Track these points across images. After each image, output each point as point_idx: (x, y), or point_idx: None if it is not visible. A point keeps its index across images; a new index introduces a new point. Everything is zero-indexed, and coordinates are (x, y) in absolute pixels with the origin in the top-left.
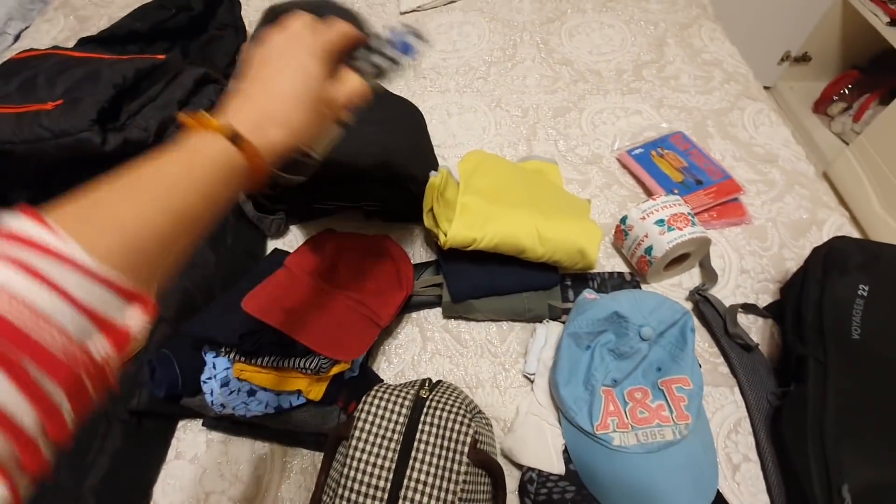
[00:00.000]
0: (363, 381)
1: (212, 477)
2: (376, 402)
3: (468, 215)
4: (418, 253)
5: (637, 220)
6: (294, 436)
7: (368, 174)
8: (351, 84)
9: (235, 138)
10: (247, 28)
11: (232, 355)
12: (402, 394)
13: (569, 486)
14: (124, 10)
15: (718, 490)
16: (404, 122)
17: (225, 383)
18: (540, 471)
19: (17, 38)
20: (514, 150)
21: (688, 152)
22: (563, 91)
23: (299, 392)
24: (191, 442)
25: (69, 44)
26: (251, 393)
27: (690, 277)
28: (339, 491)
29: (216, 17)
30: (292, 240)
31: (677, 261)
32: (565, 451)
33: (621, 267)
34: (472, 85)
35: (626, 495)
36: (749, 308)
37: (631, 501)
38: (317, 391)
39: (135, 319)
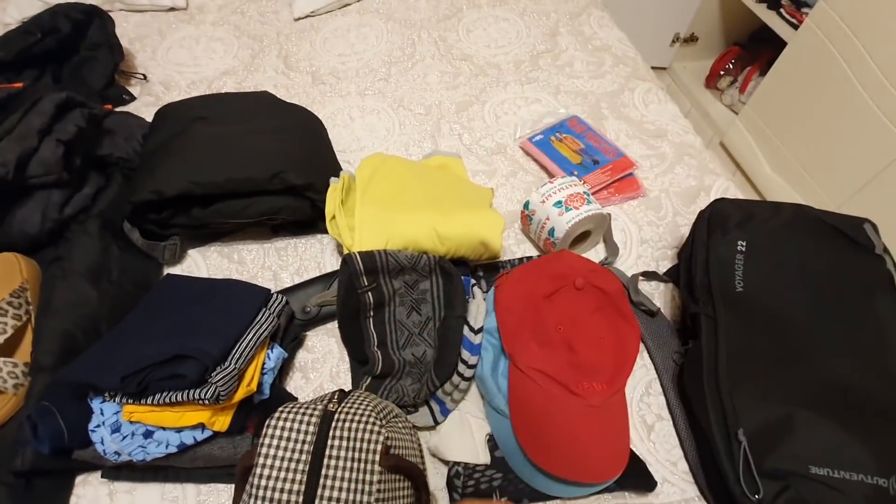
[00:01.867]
0: (275, 402)
1: None
2: (280, 423)
3: (368, 228)
4: (330, 262)
5: (538, 204)
6: (205, 472)
7: (263, 186)
8: None
9: None
10: (122, 45)
11: (119, 398)
12: (309, 410)
13: (495, 474)
14: None
15: (633, 450)
16: (299, 129)
17: (116, 429)
18: (466, 463)
19: None
20: (420, 148)
21: (584, 134)
22: (465, 86)
23: (202, 425)
24: (92, 497)
25: None
26: (147, 434)
27: (596, 253)
28: None
29: (87, 37)
30: (191, 265)
31: (581, 238)
32: (490, 441)
33: (532, 251)
34: (373, 87)
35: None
36: (649, 275)
37: (550, 478)
38: (222, 421)
39: None
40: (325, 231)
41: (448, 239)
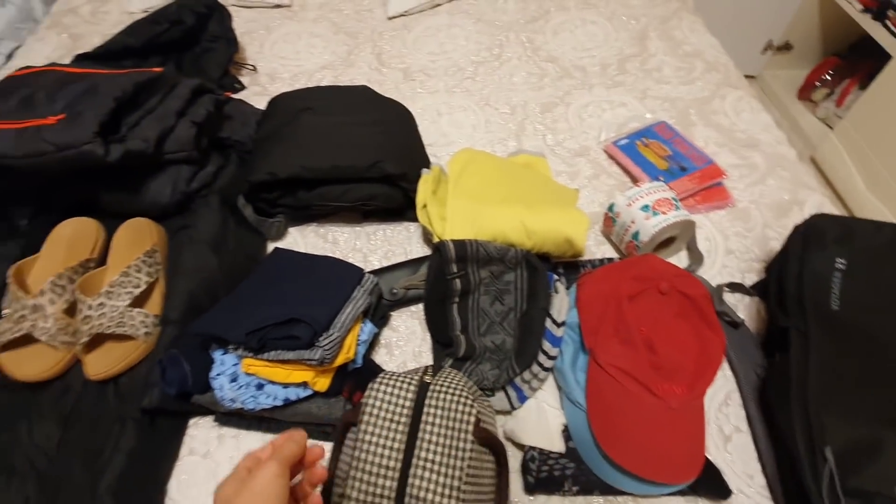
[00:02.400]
0: (366, 372)
1: (225, 471)
2: (383, 387)
3: (458, 218)
4: (416, 249)
5: (623, 206)
6: (302, 427)
7: (362, 174)
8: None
9: None
10: (237, 38)
11: (240, 352)
12: (407, 379)
13: (568, 463)
14: (116, 26)
15: (708, 458)
16: (395, 122)
17: (234, 379)
18: (541, 450)
19: (9, 57)
20: (504, 146)
21: (671, 140)
22: (550, 87)
23: (305, 384)
24: (203, 438)
25: (64, 61)
26: (259, 387)
27: (678, 260)
28: (351, 472)
29: (207, 29)
30: (291, 242)
31: (664, 244)
32: (565, 431)
33: (611, 253)
34: (461, 85)
35: (619, 468)
36: (735, 287)
37: (623, 473)
38: (322, 382)
39: None
40: (412, 219)
41: (535, 234)
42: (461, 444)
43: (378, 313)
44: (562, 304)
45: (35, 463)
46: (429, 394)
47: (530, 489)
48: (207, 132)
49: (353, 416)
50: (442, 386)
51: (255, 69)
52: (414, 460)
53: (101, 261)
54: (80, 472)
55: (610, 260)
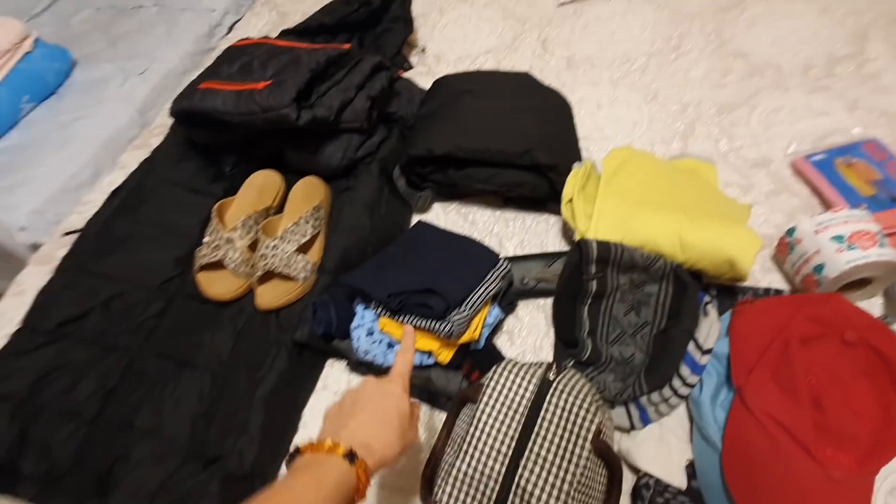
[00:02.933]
0: (487, 354)
1: None
2: (506, 374)
3: (606, 217)
4: (552, 242)
5: (809, 232)
6: (418, 391)
7: (513, 160)
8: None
9: (352, 458)
10: (413, 21)
11: (379, 310)
12: (531, 372)
13: (685, 501)
14: (316, 4)
15: None
16: (552, 112)
17: (370, 333)
18: (658, 479)
19: (230, 28)
20: (667, 147)
21: (884, 163)
22: (733, 86)
23: (430, 353)
24: (336, 378)
25: (272, 34)
26: (390, 346)
27: (869, 306)
28: (464, 447)
29: (389, 11)
30: (434, 217)
31: (854, 285)
32: (689, 468)
33: (780, 284)
34: (627, 77)
35: None
36: None
37: None
38: (446, 354)
39: None
40: (554, 212)
41: (691, 248)
42: (577, 450)
43: (506, 299)
44: (711, 329)
45: (211, 364)
46: (551, 391)
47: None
48: (378, 106)
49: (473, 393)
50: (566, 387)
51: (424, 51)
52: (526, 452)
53: (280, 209)
54: (243, 378)
55: (778, 292)
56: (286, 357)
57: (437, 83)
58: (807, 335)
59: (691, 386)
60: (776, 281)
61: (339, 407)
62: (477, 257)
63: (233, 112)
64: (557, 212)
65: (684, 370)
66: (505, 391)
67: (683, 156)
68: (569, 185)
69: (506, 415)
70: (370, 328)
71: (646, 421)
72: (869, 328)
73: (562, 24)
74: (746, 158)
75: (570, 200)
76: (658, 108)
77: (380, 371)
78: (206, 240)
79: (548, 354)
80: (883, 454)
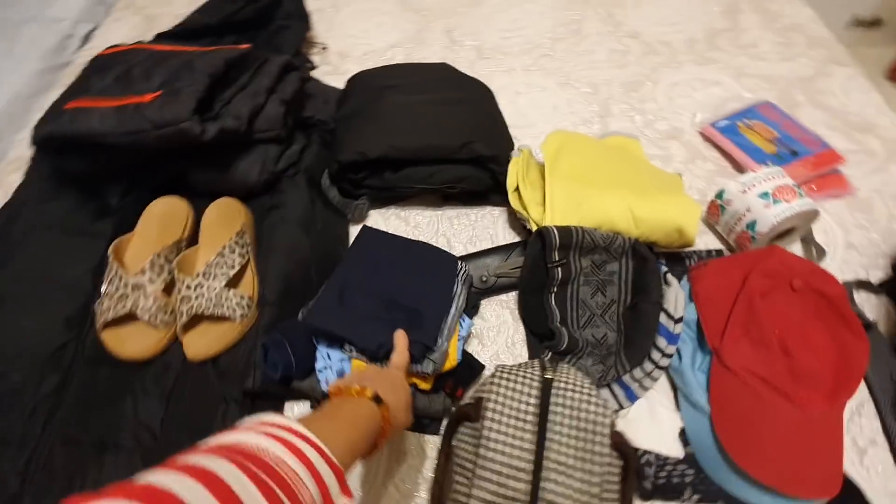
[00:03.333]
0: (465, 367)
1: None
2: (504, 383)
3: (559, 202)
4: (502, 234)
5: (737, 193)
6: None
7: (453, 155)
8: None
9: (378, 401)
10: (309, 17)
11: (354, 353)
12: (528, 375)
13: (687, 470)
14: (188, 6)
15: (846, 474)
16: (479, 101)
17: (341, 374)
18: (657, 454)
19: (86, 39)
20: (589, 128)
21: (778, 122)
22: (635, 65)
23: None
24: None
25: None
26: None
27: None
28: (478, 472)
29: (281, 6)
30: (374, 225)
31: (780, 236)
32: (681, 435)
33: (714, 244)
34: (538, 63)
35: (748, 479)
36: (862, 285)
37: (751, 485)
38: (427, 383)
39: (343, 502)
40: (496, 203)
41: (643, 222)
42: (596, 448)
43: (469, 302)
44: (678, 297)
45: (140, 439)
46: (553, 391)
47: (647, 495)
48: (293, 111)
49: (471, 410)
50: (566, 384)
51: (326, 48)
52: (545, 462)
53: (192, 240)
54: (186, 446)
55: (719, 252)
56: (238, 411)
57: (352, 80)
58: (763, 289)
59: (670, 356)
60: (711, 242)
61: (350, 376)
62: (438, 265)
63: (115, 132)
64: (500, 203)
65: (661, 342)
66: (507, 402)
67: (608, 134)
68: (511, 175)
69: (515, 428)
70: (340, 370)
71: (632, 398)
72: (811, 273)
73: (464, 14)
74: (660, 131)
75: (516, 189)
76: (572, 91)
77: None
78: (104, 290)
79: (521, 350)
80: (847, 387)
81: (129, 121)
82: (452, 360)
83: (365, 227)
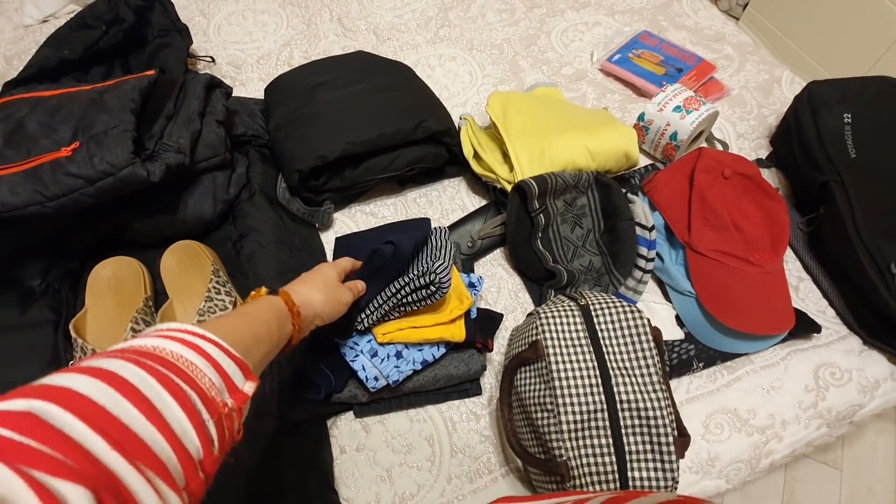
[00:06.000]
0: (486, 317)
1: (384, 456)
2: (550, 321)
3: (524, 156)
4: (469, 201)
5: (655, 113)
6: (441, 393)
7: (409, 137)
8: (352, 285)
9: (274, 292)
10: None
11: (362, 327)
12: (566, 307)
13: (689, 346)
14: (15, 43)
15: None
16: (410, 81)
17: (374, 354)
18: (665, 340)
19: None
20: (508, 86)
21: (658, 47)
22: (524, 20)
23: (439, 345)
24: (348, 433)
25: None
26: (398, 356)
27: None
28: (559, 401)
29: (151, 24)
30: (343, 228)
31: (693, 141)
32: (676, 318)
33: (644, 161)
34: (438, 34)
35: (731, 332)
36: (760, 162)
37: (737, 338)
38: (459, 332)
39: (249, 388)
40: (452, 175)
41: (598, 154)
42: (644, 346)
43: (465, 269)
44: (644, 210)
45: None
46: (593, 313)
47: (668, 376)
48: (229, 130)
49: (530, 353)
50: (601, 304)
51: (213, 60)
52: (610, 372)
53: (154, 297)
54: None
55: (653, 167)
56: (278, 447)
57: (273, 88)
58: (706, 183)
59: (653, 260)
60: (640, 160)
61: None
62: (411, 226)
63: (36, 201)
64: (456, 174)
65: (642, 250)
66: (561, 334)
67: (530, 87)
68: (465, 144)
69: (575, 352)
70: (371, 349)
71: (632, 304)
72: (733, 162)
73: (346, 0)
74: (567, 76)
75: (475, 156)
76: (480, 55)
77: (392, 398)
78: None
79: (525, 297)
80: (782, 240)
81: (51, 184)
82: (466, 298)
83: (337, 238)
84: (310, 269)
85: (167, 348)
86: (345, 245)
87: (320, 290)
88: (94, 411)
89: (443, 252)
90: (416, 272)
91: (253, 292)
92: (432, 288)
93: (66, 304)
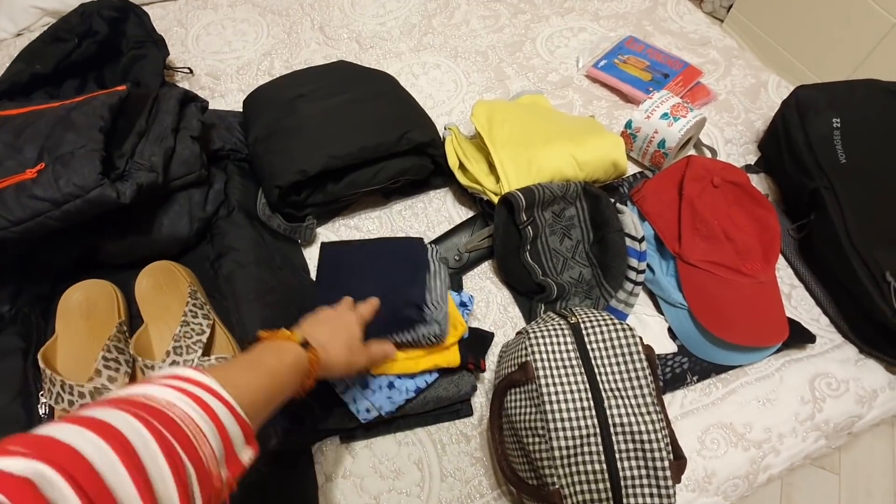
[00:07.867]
0: (477, 337)
1: (372, 482)
2: (540, 341)
3: (511, 167)
4: (455, 212)
5: (642, 120)
6: (430, 415)
7: (392, 149)
8: (375, 350)
9: (306, 345)
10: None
11: None
12: (555, 326)
13: (682, 359)
14: None
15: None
16: (393, 91)
17: (365, 385)
18: (658, 354)
19: None
20: (493, 94)
21: (644, 52)
22: (509, 27)
23: (432, 371)
24: (333, 460)
25: None
26: (390, 386)
27: None
28: (551, 426)
29: (126, 35)
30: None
31: (681, 148)
32: (669, 331)
33: (632, 169)
34: (422, 42)
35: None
36: (749, 168)
37: (731, 350)
38: (454, 357)
39: (247, 456)
40: (437, 186)
41: (586, 164)
42: (637, 365)
43: (453, 283)
44: (634, 220)
45: None
46: (584, 332)
47: (662, 391)
48: (205, 146)
49: (519, 375)
50: (592, 321)
51: (191, 72)
52: (602, 394)
53: (129, 321)
54: None
55: (642, 175)
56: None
57: (251, 100)
58: (696, 192)
59: (643, 272)
60: (629, 167)
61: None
62: (405, 251)
63: (4, 225)
64: (441, 185)
65: (633, 262)
66: (551, 355)
67: (516, 95)
68: (450, 155)
69: (566, 373)
70: (363, 380)
71: (623, 318)
72: (722, 170)
73: (328, 7)
74: (553, 82)
75: (460, 167)
76: (464, 62)
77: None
78: (51, 409)
79: (515, 311)
80: (773, 249)
81: (16, 207)
82: (460, 324)
83: (323, 244)
84: (331, 309)
85: (176, 404)
86: (333, 257)
87: (343, 354)
88: (93, 482)
89: (439, 288)
90: (424, 332)
91: (286, 331)
92: (433, 340)
93: (36, 330)
